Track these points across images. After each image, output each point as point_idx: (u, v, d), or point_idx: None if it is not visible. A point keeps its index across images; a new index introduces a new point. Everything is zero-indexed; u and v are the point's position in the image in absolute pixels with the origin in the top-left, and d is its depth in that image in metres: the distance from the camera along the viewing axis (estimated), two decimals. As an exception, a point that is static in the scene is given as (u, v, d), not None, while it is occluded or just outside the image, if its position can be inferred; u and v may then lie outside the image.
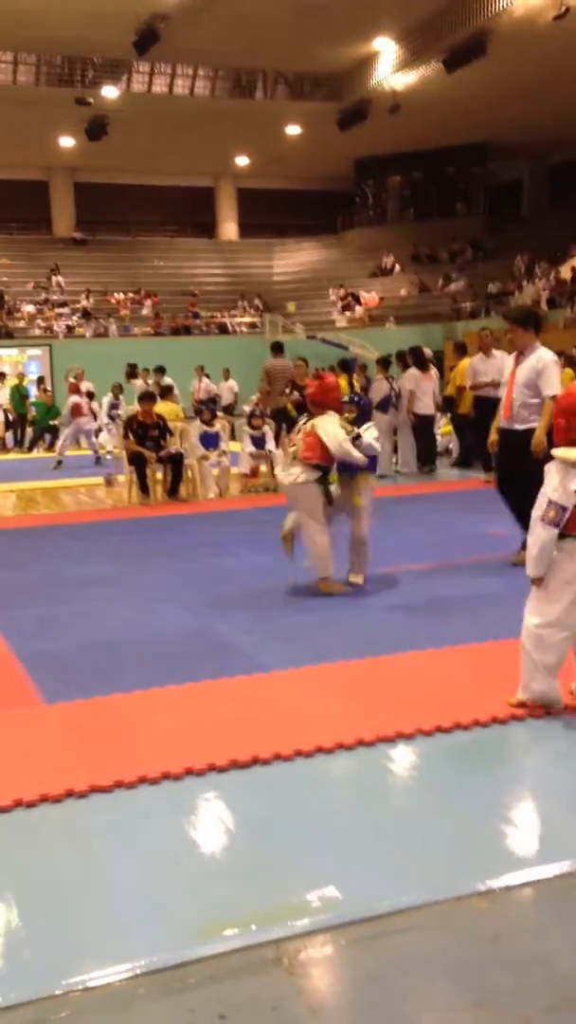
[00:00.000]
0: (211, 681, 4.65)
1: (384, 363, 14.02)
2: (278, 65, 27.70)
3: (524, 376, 6.82)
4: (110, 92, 26.86)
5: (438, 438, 14.89)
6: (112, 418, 17.62)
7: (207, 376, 21.62)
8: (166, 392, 14.30)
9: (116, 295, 31.47)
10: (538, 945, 2.55)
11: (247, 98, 28.69)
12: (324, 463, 6.34)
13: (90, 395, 17.99)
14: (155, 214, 36.24)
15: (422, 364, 13.64)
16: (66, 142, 31.01)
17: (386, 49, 26.07)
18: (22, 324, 29.21)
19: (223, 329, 31.08)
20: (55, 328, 29.09)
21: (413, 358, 13.77)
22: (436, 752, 3.78)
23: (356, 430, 6.44)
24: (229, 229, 36.86)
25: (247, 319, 31.62)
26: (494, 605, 5.82)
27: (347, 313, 31.52)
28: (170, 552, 8.41)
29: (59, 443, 16.98)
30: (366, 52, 26.42)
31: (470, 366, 12.37)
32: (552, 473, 3.98)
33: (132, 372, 19.30)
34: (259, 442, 12.30)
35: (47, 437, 20.72)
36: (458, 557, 7.44)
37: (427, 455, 13.75)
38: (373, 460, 6.57)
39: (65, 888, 2.87)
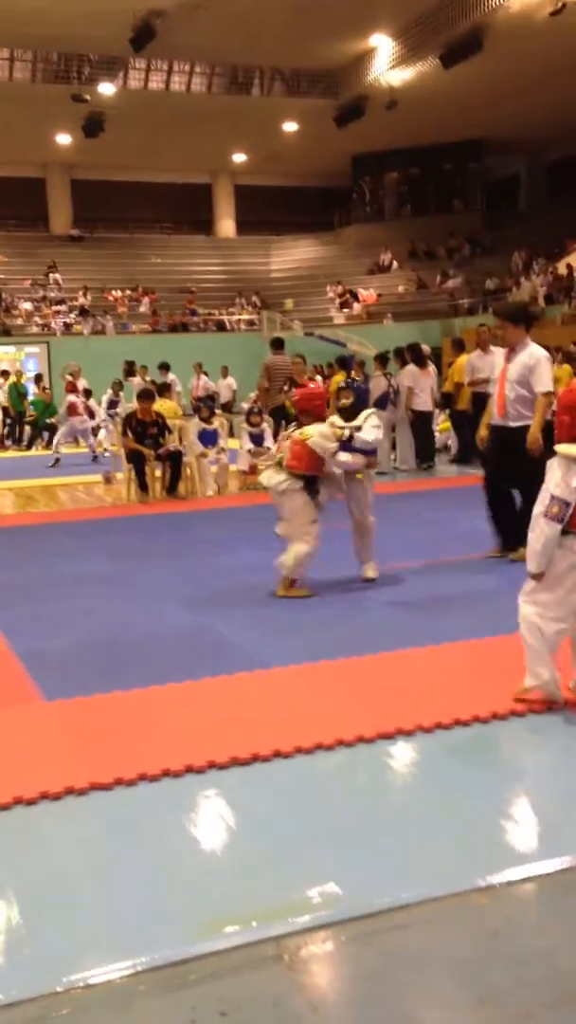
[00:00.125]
0: (211, 678, 4.65)
1: (382, 360, 14.01)
2: (275, 61, 27.65)
3: (516, 372, 6.81)
4: (107, 89, 26.81)
5: (436, 435, 14.89)
6: (111, 416, 17.62)
7: (205, 373, 21.62)
8: (164, 389, 14.30)
9: (114, 292, 31.44)
10: (539, 941, 2.55)
11: (244, 95, 28.63)
12: (309, 473, 6.28)
13: (87, 393, 17.98)
14: (152, 211, 36.18)
15: (420, 361, 13.64)
16: (63, 139, 30.96)
17: (383, 45, 26.03)
18: (19, 322, 29.17)
19: (221, 326, 31.05)
20: (53, 326, 29.05)
21: (411, 355, 13.76)
22: (436, 748, 3.78)
23: (350, 427, 6.35)
24: (226, 226, 36.82)
25: (245, 316, 31.60)
26: (493, 601, 5.82)
27: (345, 310, 31.50)
28: (169, 550, 8.41)
29: (55, 442, 16.97)
30: (363, 48, 26.37)
31: (468, 362, 12.38)
32: (555, 469, 3.97)
33: (130, 370, 19.29)
34: (257, 439, 12.30)
35: (45, 435, 20.71)
36: (457, 553, 7.44)
37: (425, 452, 13.75)
38: (371, 449, 6.49)
39: (65, 885, 2.87)
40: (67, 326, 29.24)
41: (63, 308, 29.97)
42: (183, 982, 2.39)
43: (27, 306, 29.70)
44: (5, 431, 21.55)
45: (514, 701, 4.12)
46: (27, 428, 21.10)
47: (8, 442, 21.47)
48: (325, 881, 2.79)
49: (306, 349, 18.67)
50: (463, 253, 33.25)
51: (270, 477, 6.42)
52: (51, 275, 31.57)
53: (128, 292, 31.70)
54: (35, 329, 29.01)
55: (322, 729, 3.91)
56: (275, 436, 12.16)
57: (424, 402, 13.54)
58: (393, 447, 14.03)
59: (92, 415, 17.61)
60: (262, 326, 30.10)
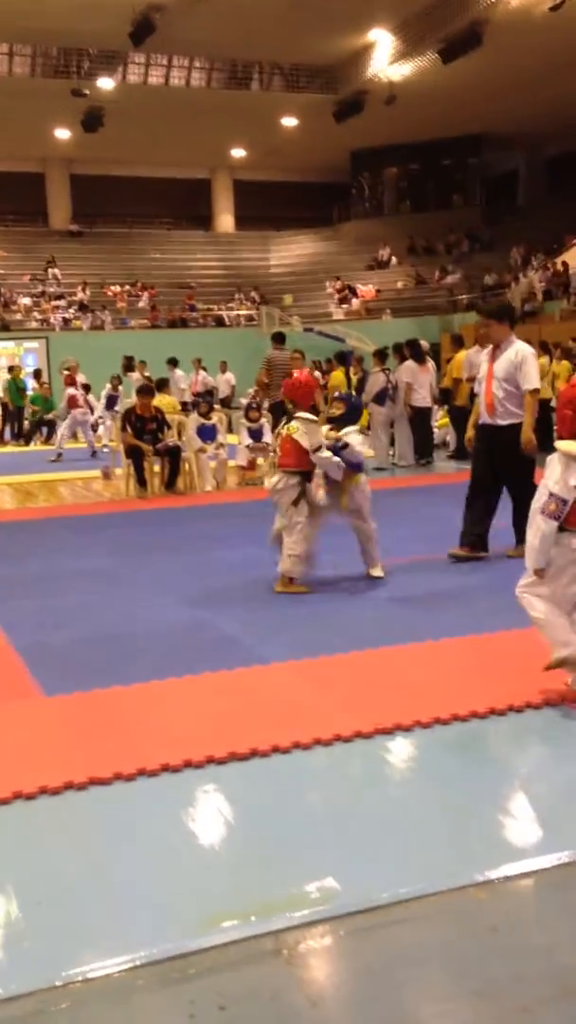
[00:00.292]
0: (209, 673, 4.65)
1: (381, 355, 14.01)
2: (274, 56, 27.61)
3: (503, 370, 6.80)
4: (106, 83, 26.77)
5: (435, 430, 14.90)
6: (111, 408, 17.64)
7: (204, 369, 21.62)
8: (163, 385, 14.31)
9: (113, 288, 31.40)
10: (537, 936, 2.56)
11: (243, 90, 28.60)
12: (301, 468, 6.28)
13: (86, 388, 18.00)
14: (151, 206, 36.12)
15: (419, 356, 13.64)
16: (62, 134, 30.90)
17: (382, 40, 26.00)
18: (18, 317, 29.14)
19: (220, 322, 31.02)
20: (51, 321, 29.03)
21: (410, 350, 13.77)
22: (434, 744, 3.79)
23: (342, 437, 6.33)
24: (225, 221, 36.78)
25: (244, 312, 31.57)
26: (491, 597, 5.82)
27: (344, 305, 31.48)
28: (168, 545, 8.41)
29: (57, 436, 16.99)
30: (362, 43, 26.34)
31: (466, 358, 12.38)
32: (554, 465, 3.97)
33: (129, 365, 19.30)
34: (256, 435, 12.30)
35: (43, 430, 20.72)
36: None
37: (424, 447, 13.76)
38: (359, 464, 6.42)
39: (64, 880, 2.88)
40: (66, 321, 29.20)
41: (62, 303, 29.94)
42: (182, 976, 2.39)
43: (26, 301, 29.66)
44: (4, 426, 21.57)
45: (544, 671, 4.07)
46: (26, 423, 21.12)
47: (7, 437, 21.47)
48: (323, 876, 2.79)
49: (305, 345, 18.68)
50: (462, 249, 33.22)
51: (268, 479, 6.46)
52: (50, 270, 31.53)
53: (127, 287, 31.66)
54: (34, 324, 28.98)
55: (320, 724, 3.91)
56: (274, 431, 12.17)
57: (423, 398, 13.54)
58: (391, 443, 14.04)
59: (91, 410, 17.64)
60: (261, 322, 30.08)
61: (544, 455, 4.24)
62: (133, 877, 2.88)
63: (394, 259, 33.65)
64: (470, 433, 7.34)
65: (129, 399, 15.10)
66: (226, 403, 21.81)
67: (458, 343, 14.99)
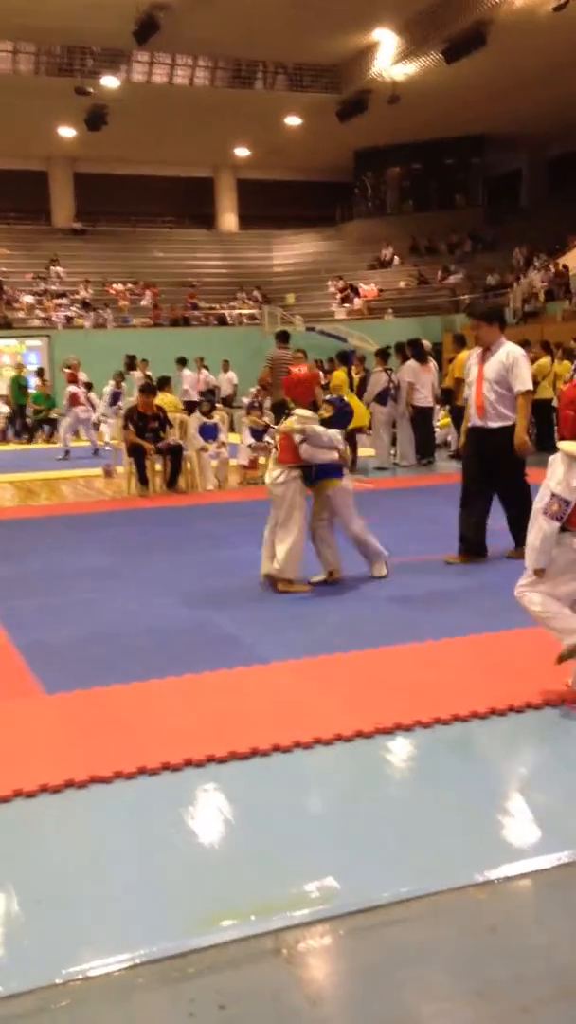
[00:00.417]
0: (210, 673, 4.65)
1: (383, 355, 14.02)
2: (278, 56, 27.59)
3: (494, 372, 6.78)
4: (110, 82, 26.75)
5: (436, 430, 14.90)
6: (114, 405, 17.67)
7: (206, 368, 21.64)
8: (164, 383, 14.32)
9: (115, 286, 31.41)
10: (537, 936, 2.56)
11: (247, 89, 28.60)
12: (299, 463, 6.31)
13: (88, 386, 18.03)
14: (155, 205, 36.09)
15: (421, 356, 13.65)
16: (66, 132, 30.89)
17: (386, 40, 25.97)
18: (21, 315, 29.15)
19: (222, 320, 31.03)
20: (54, 319, 29.04)
21: (412, 350, 13.77)
22: (435, 744, 3.79)
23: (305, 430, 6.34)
24: (228, 220, 36.76)
25: (246, 311, 31.57)
26: (493, 597, 5.82)
27: (346, 305, 31.47)
28: (169, 544, 8.42)
29: (62, 434, 17.03)
30: (366, 43, 26.32)
31: (468, 358, 12.36)
32: (556, 465, 3.97)
33: (131, 363, 19.31)
34: (258, 434, 12.30)
35: (45, 428, 20.75)
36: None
37: (425, 447, 13.76)
38: (338, 468, 6.44)
39: (65, 878, 2.88)
40: (69, 319, 29.22)
41: (65, 301, 29.95)
42: (181, 975, 2.39)
43: (29, 299, 29.67)
44: (6, 424, 21.61)
45: (556, 663, 4.06)
46: (28, 421, 21.15)
47: (9, 435, 21.50)
48: (323, 875, 2.80)
49: (307, 344, 18.67)
50: (464, 249, 33.20)
51: (268, 474, 6.47)
52: (53, 268, 31.53)
53: (130, 286, 31.67)
54: (36, 322, 29.00)
55: (321, 724, 3.91)
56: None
57: (424, 398, 13.55)
58: (393, 443, 14.04)
59: (93, 407, 17.66)
60: (263, 320, 30.08)
61: (546, 455, 4.23)
62: (133, 875, 2.88)
63: (396, 259, 33.64)
64: (463, 440, 7.32)
65: (131, 397, 15.12)
66: (228, 402, 21.82)
67: (460, 343, 14.99)
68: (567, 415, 4.04)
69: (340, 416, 6.61)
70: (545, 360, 14.60)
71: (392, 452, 13.97)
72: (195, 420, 12.24)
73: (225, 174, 36.51)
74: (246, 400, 15.60)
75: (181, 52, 27.00)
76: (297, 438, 6.25)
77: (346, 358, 14.91)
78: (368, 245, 34.46)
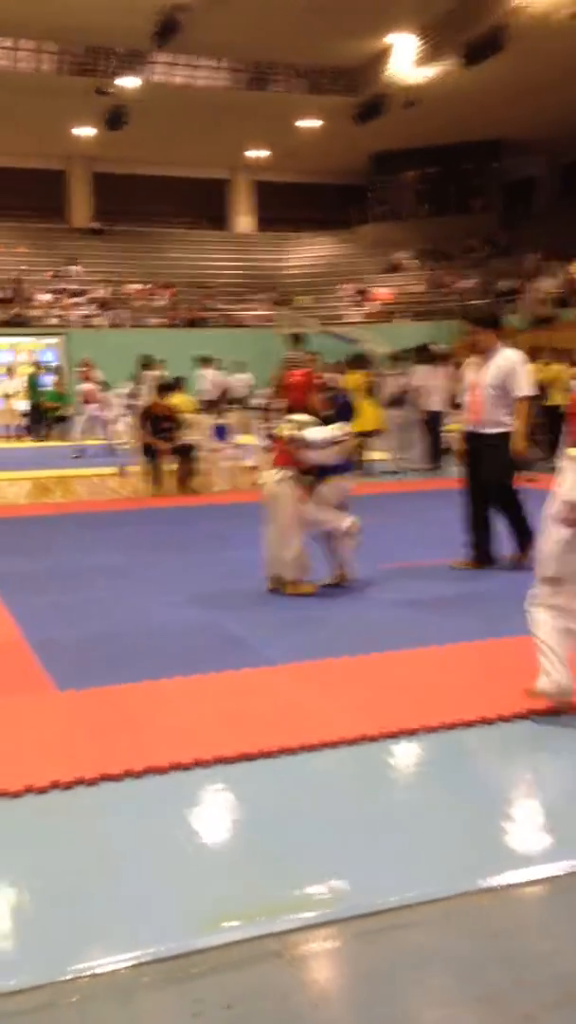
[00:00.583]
0: (216, 674, 4.68)
1: (396, 359, 14.03)
2: (296, 58, 27.60)
3: (492, 377, 6.76)
4: (130, 82, 26.81)
5: (447, 435, 14.86)
6: (131, 407, 17.74)
7: (221, 368, 21.66)
8: (178, 383, 14.36)
9: (132, 286, 31.47)
10: (541, 943, 2.57)
11: (264, 91, 28.63)
12: (295, 467, 6.34)
13: (103, 385, 18.10)
14: (171, 205, 36.12)
15: (430, 361, 13.65)
16: (85, 132, 30.97)
17: (403, 44, 25.97)
18: (38, 313, 29.23)
19: (237, 322, 31.06)
20: (71, 318, 29.12)
21: (418, 355, 13.79)
22: (440, 748, 3.80)
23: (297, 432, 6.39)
24: (244, 222, 36.78)
25: (260, 312, 31.59)
26: (499, 602, 5.82)
27: (359, 308, 31.46)
28: (180, 544, 8.45)
29: (77, 431, 17.11)
30: (383, 46, 26.31)
31: (465, 364, 12.37)
32: (566, 472, 3.96)
33: (147, 363, 19.36)
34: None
35: (54, 425, 20.85)
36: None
37: (434, 452, 13.75)
38: (345, 465, 6.48)
39: (73, 874, 2.91)
40: (85, 318, 29.30)
41: (82, 300, 30.03)
42: (185, 975, 2.41)
43: (46, 298, 29.76)
44: (24, 422, 21.75)
45: (524, 695, 4.08)
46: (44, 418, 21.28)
47: (25, 432, 21.62)
48: (329, 878, 2.81)
49: (322, 347, 18.67)
50: (479, 253, 33.15)
51: (267, 477, 6.52)
52: (71, 267, 31.61)
53: (147, 285, 31.73)
54: (54, 321, 29.08)
55: (327, 726, 3.93)
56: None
57: (435, 402, 13.55)
58: (403, 446, 14.04)
59: (108, 406, 17.72)
60: (279, 323, 30.10)
61: (547, 463, 4.24)
62: (141, 874, 2.90)
63: (411, 263, 33.60)
64: (461, 446, 7.32)
65: (145, 397, 15.16)
66: (242, 403, 21.83)
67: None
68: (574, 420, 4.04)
69: (339, 411, 6.67)
70: (559, 366, 14.56)
71: (401, 456, 13.97)
72: (209, 420, 12.29)
73: (241, 176, 36.53)
74: (260, 402, 15.64)
75: (200, 54, 27.05)
76: (293, 444, 6.28)
77: (360, 362, 14.93)
78: (382, 248, 34.43)
